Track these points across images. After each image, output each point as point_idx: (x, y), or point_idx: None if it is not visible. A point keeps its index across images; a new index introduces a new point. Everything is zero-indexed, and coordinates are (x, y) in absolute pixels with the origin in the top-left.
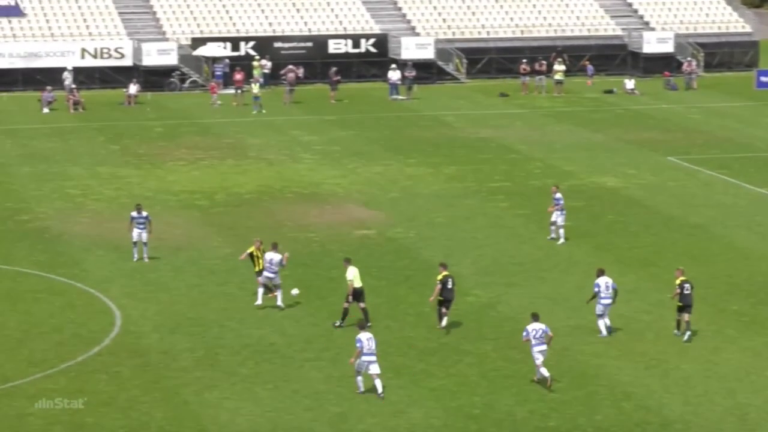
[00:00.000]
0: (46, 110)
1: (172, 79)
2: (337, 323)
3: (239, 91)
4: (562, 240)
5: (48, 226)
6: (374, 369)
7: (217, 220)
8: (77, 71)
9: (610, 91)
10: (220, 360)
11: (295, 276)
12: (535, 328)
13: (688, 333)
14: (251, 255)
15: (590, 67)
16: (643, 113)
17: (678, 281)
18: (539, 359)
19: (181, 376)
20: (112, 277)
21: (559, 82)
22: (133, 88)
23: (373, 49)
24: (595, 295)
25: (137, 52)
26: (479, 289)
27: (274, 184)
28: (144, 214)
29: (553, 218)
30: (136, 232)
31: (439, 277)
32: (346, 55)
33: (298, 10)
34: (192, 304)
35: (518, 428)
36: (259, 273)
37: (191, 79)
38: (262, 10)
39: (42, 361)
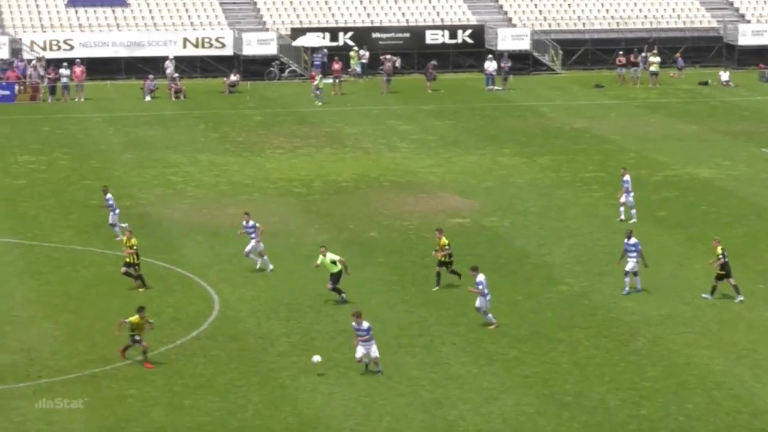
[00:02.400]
0: (148, 98)
1: (271, 69)
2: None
3: (337, 81)
4: (634, 219)
5: (148, 212)
6: (375, 352)
7: (314, 207)
8: (179, 60)
9: (704, 83)
10: (316, 345)
11: (390, 263)
12: (483, 280)
13: (740, 297)
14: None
15: (680, 60)
16: (737, 105)
17: (719, 250)
18: (486, 307)
19: (278, 360)
20: (211, 263)
21: (654, 74)
22: (233, 77)
23: (469, 40)
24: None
25: (238, 42)
26: (572, 278)
27: (371, 173)
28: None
29: (622, 200)
30: (111, 216)
31: (442, 243)
32: (443, 45)
33: (396, 1)
34: (288, 290)
35: (610, 416)
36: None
37: (290, 69)
38: (360, 1)
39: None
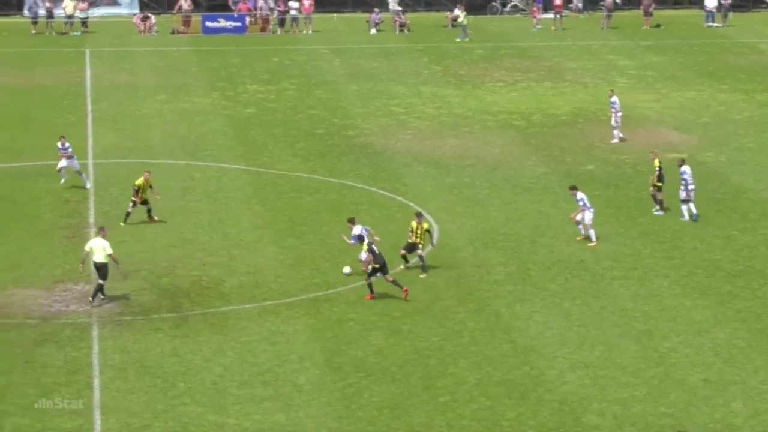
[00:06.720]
0: (373, 31)
1: (493, 3)
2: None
3: (558, 16)
4: None
5: (372, 141)
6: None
7: (532, 140)
8: None
9: None
10: (532, 275)
11: (606, 196)
12: (583, 197)
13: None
14: (138, 188)
15: None
16: None
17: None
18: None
19: (494, 288)
20: (432, 193)
21: None
22: (456, 11)
23: None
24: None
25: None
26: None
27: (589, 107)
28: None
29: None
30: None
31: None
32: None
33: None
34: (506, 220)
35: None
36: (143, 202)
37: (512, 4)
38: None
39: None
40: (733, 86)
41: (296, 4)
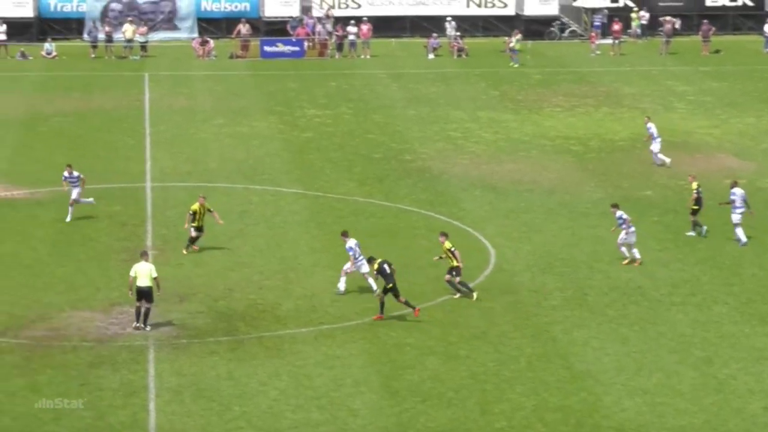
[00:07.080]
0: (431, 56)
1: (551, 29)
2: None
3: (617, 42)
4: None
5: (429, 166)
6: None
7: (590, 165)
8: (462, 20)
9: None
10: (589, 300)
11: (665, 222)
12: (622, 215)
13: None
14: (193, 213)
15: None
16: None
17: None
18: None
19: (551, 314)
20: (489, 217)
21: None
22: (513, 38)
23: (749, 2)
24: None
25: (519, 2)
26: None
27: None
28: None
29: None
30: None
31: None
32: (723, 8)
33: None
34: (563, 246)
35: None
36: (197, 229)
37: (570, 29)
38: None
39: (420, 294)
40: None
41: (354, 29)
